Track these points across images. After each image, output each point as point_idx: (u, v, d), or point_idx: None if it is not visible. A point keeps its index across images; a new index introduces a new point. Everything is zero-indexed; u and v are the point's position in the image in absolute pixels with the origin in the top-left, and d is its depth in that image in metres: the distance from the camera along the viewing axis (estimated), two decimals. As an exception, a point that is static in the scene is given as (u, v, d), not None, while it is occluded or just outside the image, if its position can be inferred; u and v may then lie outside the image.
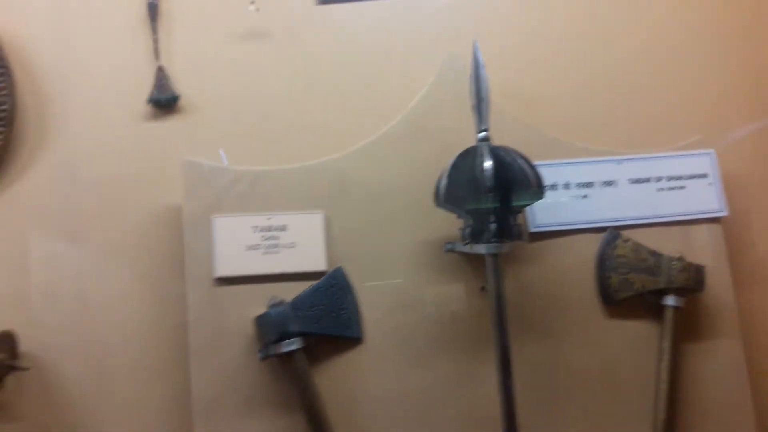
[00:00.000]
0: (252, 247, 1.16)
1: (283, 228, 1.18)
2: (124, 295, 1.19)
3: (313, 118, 1.27)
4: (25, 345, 1.14)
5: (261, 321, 1.12)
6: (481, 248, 1.07)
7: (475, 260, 1.18)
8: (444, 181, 1.08)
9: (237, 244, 1.16)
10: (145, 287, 1.19)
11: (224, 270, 1.15)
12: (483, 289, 1.15)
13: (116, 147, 1.22)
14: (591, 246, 1.24)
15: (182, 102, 1.24)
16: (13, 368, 1.11)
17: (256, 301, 1.14)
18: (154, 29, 1.25)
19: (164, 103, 1.23)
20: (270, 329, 1.11)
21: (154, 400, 1.17)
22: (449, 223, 1.16)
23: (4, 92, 1.18)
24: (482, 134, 1.09)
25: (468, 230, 1.09)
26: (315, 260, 1.18)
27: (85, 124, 1.23)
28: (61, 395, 1.16)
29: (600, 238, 1.25)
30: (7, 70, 1.19)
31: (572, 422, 1.19)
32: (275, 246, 1.17)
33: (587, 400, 1.20)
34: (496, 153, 1.06)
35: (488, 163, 1.03)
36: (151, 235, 1.20)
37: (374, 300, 1.19)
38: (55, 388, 1.16)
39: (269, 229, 1.17)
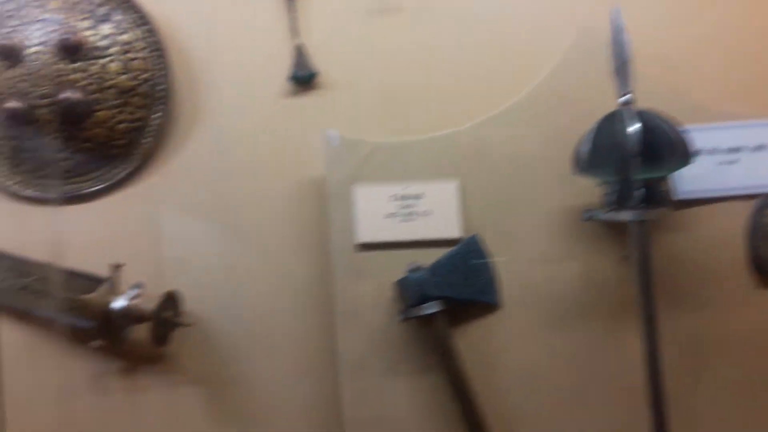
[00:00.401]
0: (390, 215, 1.21)
1: (418, 196, 1.21)
2: (273, 262, 1.26)
3: (448, 88, 1.28)
4: (187, 305, 1.24)
5: (402, 285, 1.17)
6: (625, 215, 1.05)
7: (615, 228, 1.17)
8: (585, 147, 1.07)
9: (376, 213, 1.21)
10: (291, 254, 1.26)
11: (365, 237, 1.21)
12: (625, 257, 1.14)
13: (260, 123, 1.29)
14: (740, 214, 1.19)
15: (321, 78, 1.29)
16: (178, 324, 1.22)
17: (396, 266, 1.19)
18: (292, 8, 1.29)
19: (303, 79, 1.28)
20: (410, 292, 1.15)
21: (303, 358, 1.24)
22: (587, 191, 1.15)
23: (161, 73, 1.28)
24: (625, 98, 1.07)
25: (611, 197, 1.07)
26: (450, 228, 1.21)
27: (232, 101, 1.30)
28: (219, 351, 1.26)
29: (750, 205, 1.19)
30: (164, 53, 1.28)
31: (721, 394, 1.16)
32: (412, 214, 1.21)
33: (736, 371, 1.17)
34: (642, 117, 1.03)
35: (633, 127, 1.01)
36: (295, 206, 1.27)
37: (511, 267, 1.20)
38: (214, 345, 1.26)
39: (406, 197, 1.21)
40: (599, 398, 1.18)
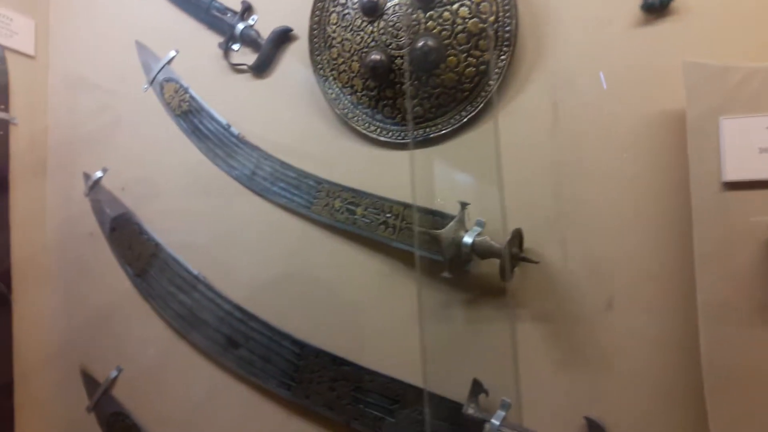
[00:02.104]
0: (766, 150, 1.08)
1: (803, 128, 1.06)
2: (623, 201, 1.22)
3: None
4: (529, 243, 1.26)
5: (783, 228, 1.04)
6: None
7: None
8: None
9: (748, 147, 1.09)
10: (644, 193, 1.21)
11: (733, 174, 1.10)
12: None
13: (610, 56, 1.25)
14: None
15: (675, 3, 1.19)
16: (524, 260, 1.25)
17: (769, 207, 1.06)
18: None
19: (658, 6, 1.20)
20: (794, 237, 1.02)
21: (655, 300, 1.19)
22: None
23: (507, 14, 1.30)
24: None
25: None
26: (844, 164, 1.03)
27: (578, 37, 1.28)
28: (562, 289, 1.27)
29: None
30: (511, -6, 1.29)
31: None
32: (794, 149, 1.06)
33: None
34: None
35: None
36: (649, 142, 1.21)
37: None
38: (557, 282, 1.27)
39: (786, 129, 1.07)
40: None
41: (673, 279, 1.18)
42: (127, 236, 1.83)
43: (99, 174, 1.93)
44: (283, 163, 1.59)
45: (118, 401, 1.82)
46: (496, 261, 1.25)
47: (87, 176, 1.96)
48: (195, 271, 1.68)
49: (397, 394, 1.37)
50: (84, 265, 1.95)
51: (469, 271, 1.33)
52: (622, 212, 1.23)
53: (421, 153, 1.42)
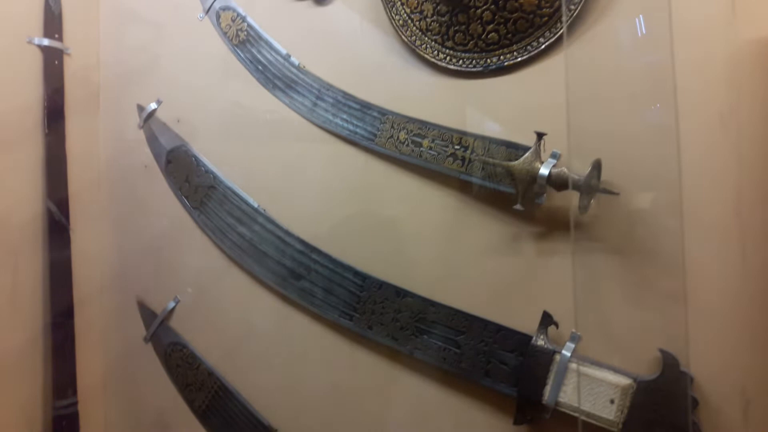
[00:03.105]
0: None
1: None
2: (717, 133, 1.18)
3: None
4: (607, 175, 1.22)
5: None
6: None
7: None
8: None
9: None
10: (739, 124, 1.16)
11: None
12: None
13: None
14: None
15: None
16: (604, 192, 1.21)
17: None
18: None
19: None
20: None
21: (741, 238, 1.16)
22: None
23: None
24: None
25: None
26: None
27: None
28: (638, 222, 1.23)
29: None
30: None
31: None
32: None
33: None
34: None
35: None
36: (740, 70, 1.16)
37: None
38: (633, 216, 1.24)
39: None
40: None
41: (762, 213, 1.13)
42: (184, 168, 1.83)
43: (153, 105, 1.91)
44: (345, 94, 1.55)
45: (176, 331, 1.84)
46: (570, 193, 1.21)
47: (141, 108, 1.95)
48: (255, 204, 1.67)
49: (463, 326, 1.37)
50: (139, 197, 1.96)
51: (542, 203, 1.30)
52: (710, 144, 1.18)
53: (494, 82, 1.37)
